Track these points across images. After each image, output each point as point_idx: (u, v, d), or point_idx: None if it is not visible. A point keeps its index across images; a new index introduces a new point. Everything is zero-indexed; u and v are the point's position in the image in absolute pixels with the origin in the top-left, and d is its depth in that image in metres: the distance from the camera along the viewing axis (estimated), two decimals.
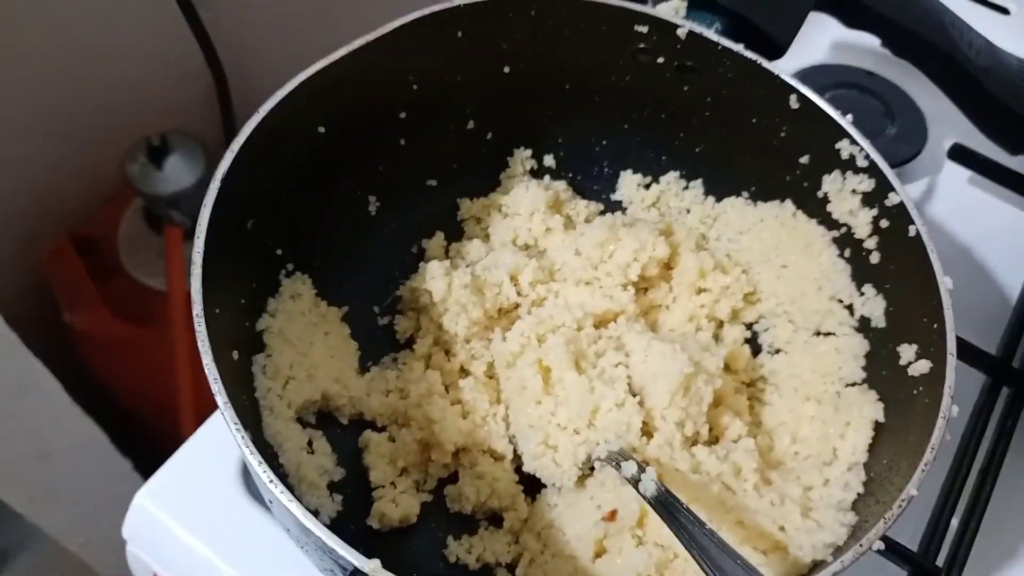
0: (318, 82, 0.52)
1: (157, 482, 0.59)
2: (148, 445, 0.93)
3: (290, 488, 0.49)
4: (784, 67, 0.83)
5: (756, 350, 0.62)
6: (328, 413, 0.56)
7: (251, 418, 0.50)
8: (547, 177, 0.67)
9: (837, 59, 0.88)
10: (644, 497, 0.46)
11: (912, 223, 0.50)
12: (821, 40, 0.90)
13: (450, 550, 0.52)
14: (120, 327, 1.17)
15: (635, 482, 0.46)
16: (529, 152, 0.67)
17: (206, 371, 0.41)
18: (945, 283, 0.48)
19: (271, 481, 0.39)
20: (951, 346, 0.46)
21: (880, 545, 0.40)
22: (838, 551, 0.43)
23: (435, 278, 0.57)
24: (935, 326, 0.47)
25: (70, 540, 1.06)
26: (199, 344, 0.41)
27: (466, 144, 0.65)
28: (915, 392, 0.48)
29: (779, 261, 0.61)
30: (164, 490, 0.59)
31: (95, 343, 1.22)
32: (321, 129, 0.55)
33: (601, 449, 0.50)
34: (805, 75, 0.83)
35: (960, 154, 0.78)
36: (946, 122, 0.73)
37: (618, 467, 0.48)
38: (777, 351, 0.60)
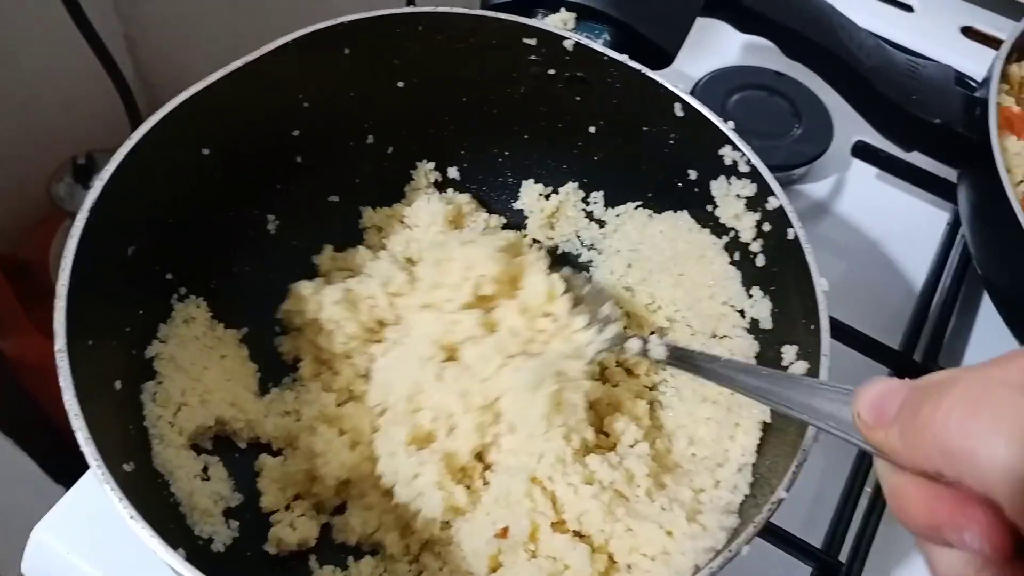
0: (196, 105, 0.51)
1: (55, 515, 0.58)
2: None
3: (182, 516, 0.50)
4: (691, 72, 0.86)
5: None
6: (226, 437, 0.56)
7: (139, 447, 0.50)
8: (451, 190, 0.67)
9: (747, 60, 0.89)
10: (659, 361, 0.52)
11: (790, 226, 0.51)
12: (732, 42, 0.91)
13: (350, 572, 0.52)
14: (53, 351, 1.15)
15: (644, 354, 0.52)
16: (432, 165, 0.67)
17: (67, 407, 0.40)
18: (821, 284, 0.49)
19: (131, 517, 0.38)
20: (825, 347, 0.47)
21: (747, 550, 0.41)
22: (717, 554, 0.44)
23: (303, 297, 0.56)
24: (812, 327, 0.48)
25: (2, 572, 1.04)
26: (60, 380, 0.40)
27: (367, 159, 0.64)
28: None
29: (676, 270, 0.61)
30: (63, 522, 0.57)
31: (28, 368, 1.20)
32: (206, 151, 0.54)
33: (602, 340, 0.54)
34: (715, 77, 0.85)
35: (863, 151, 0.80)
36: (852, 120, 0.74)
37: (622, 351, 0.52)
38: None
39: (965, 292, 0.76)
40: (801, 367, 0.49)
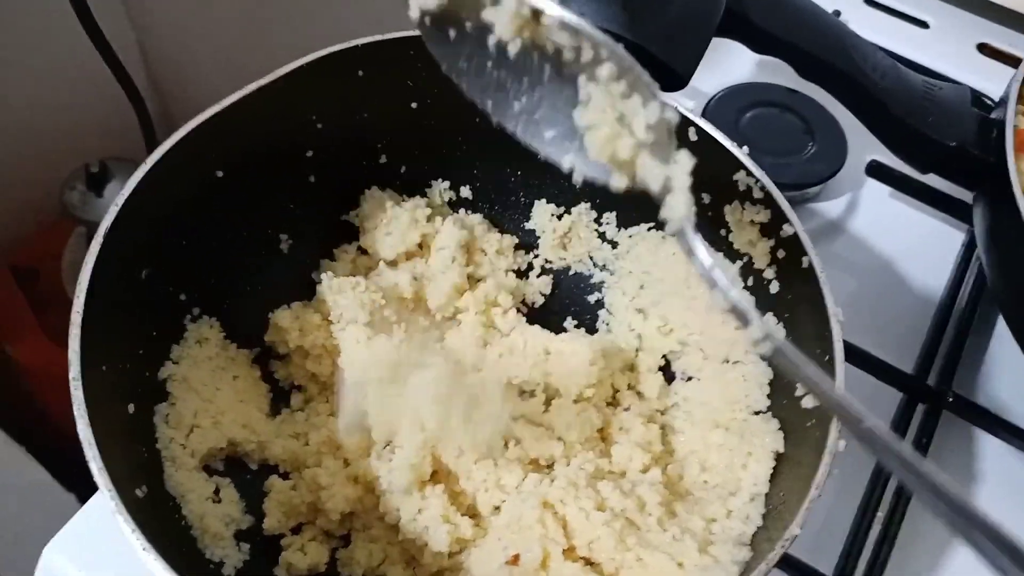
0: (210, 128, 0.52)
1: (67, 534, 0.58)
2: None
3: (193, 540, 0.50)
4: (704, 88, 0.85)
5: (671, 377, 0.62)
6: (238, 458, 0.56)
7: (151, 471, 0.50)
8: (462, 210, 0.67)
9: (760, 77, 0.89)
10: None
11: (805, 254, 0.51)
12: (745, 58, 0.90)
13: None
14: (64, 357, 1.16)
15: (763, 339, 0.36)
16: (447, 184, 0.67)
17: (80, 436, 0.40)
18: (836, 314, 0.49)
19: (144, 549, 0.38)
20: (840, 379, 0.46)
21: None
22: None
23: (281, 328, 0.57)
24: (827, 358, 0.48)
25: None
26: (75, 409, 0.40)
27: (379, 178, 0.65)
28: (808, 424, 0.49)
29: (689, 294, 0.61)
30: (74, 543, 0.57)
31: (38, 375, 1.20)
32: (219, 173, 0.54)
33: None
34: (728, 94, 0.84)
35: (878, 171, 0.79)
36: (866, 139, 0.73)
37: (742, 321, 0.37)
38: (689, 378, 0.61)
39: (980, 315, 0.76)
40: (812, 399, 0.49)
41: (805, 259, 0.51)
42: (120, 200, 0.47)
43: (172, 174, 0.50)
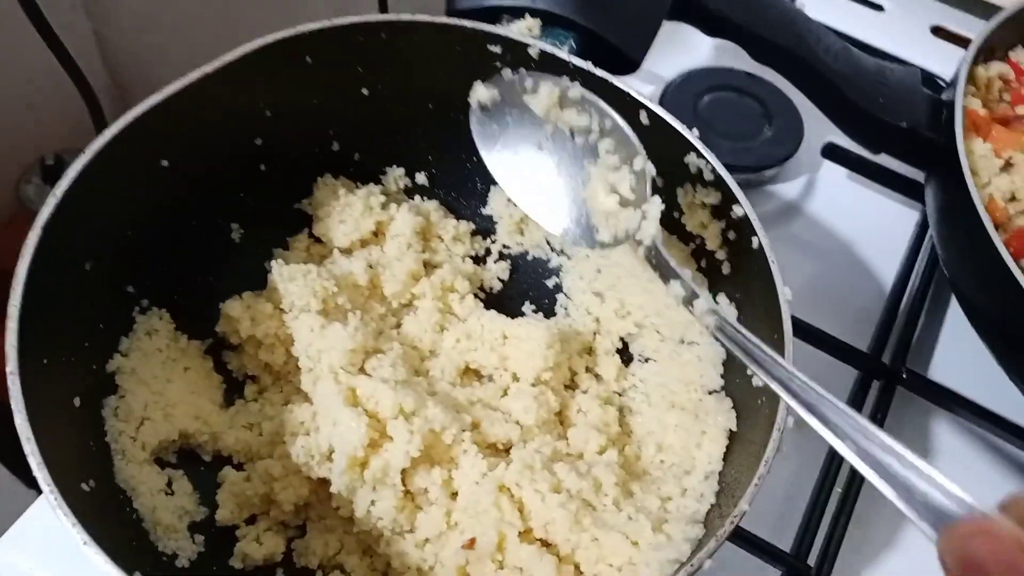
0: (153, 117, 0.51)
1: (19, 529, 0.57)
2: None
3: (145, 533, 0.49)
4: (662, 73, 0.85)
5: (629, 359, 0.62)
6: (191, 450, 0.55)
7: (99, 464, 0.49)
8: (418, 197, 0.66)
9: (719, 61, 0.89)
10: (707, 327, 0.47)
11: (755, 235, 0.51)
12: (704, 42, 0.91)
13: None
14: None
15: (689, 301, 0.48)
16: (402, 171, 0.66)
17: (19, 431, 0.39)
18: (784, 294, 0.49)
19: (85, 543, 0.38)
20: (788, 356, 0.47)
21: (709, 564, 0.41)
22: (680, 568, 0.44)
23: (232, 317, 0.57)
24: (775, 336, 0.48)
25: None
26: (12, 403, 0.39)
27: (333, 166, 0.64)
28: (759, 402, 0.49)
29: (645, 276, 0.61)
30: (27, 536, 0.57)
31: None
32: (164, 163, 0.53)
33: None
34: (686, 79, 0.85)
35: (833, 152, 0.80)
36: (822, 121, 0.74)
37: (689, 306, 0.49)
38: (647, 360, 0.61)
39: (934, 293, 0.77)
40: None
41: (755, 240, 0.51)
42: (59, 192, 0.46)
43: (114, 164, 0.49)
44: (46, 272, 0.45)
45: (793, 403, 0.40)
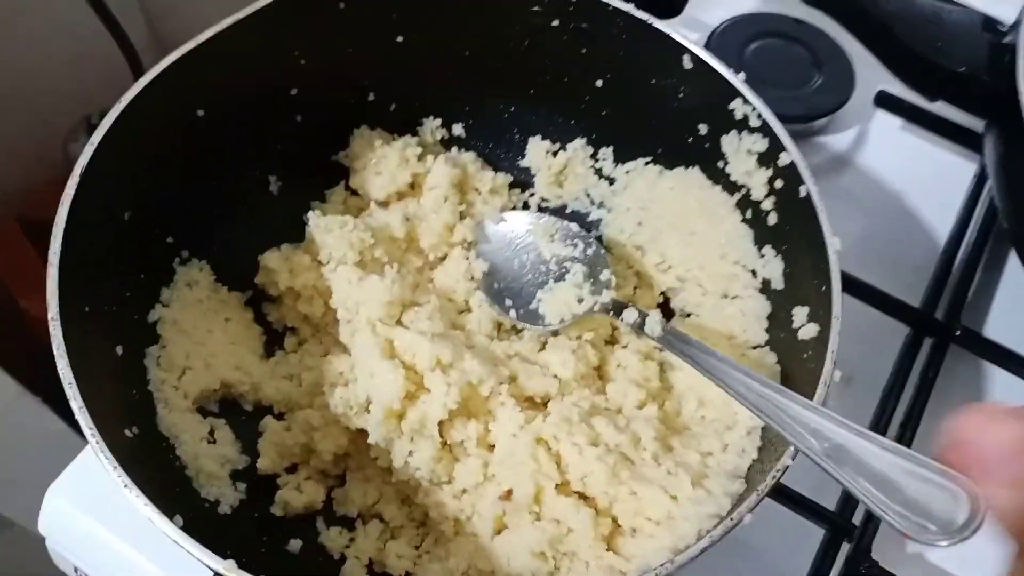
0: (186, 65, 0.50)
1: (68, 477, 0.58)
2: None
3: (188, 480, 0.50)
4: (707, 20, 0.82)
5: (670, 315, 0.61)
6: (232, 400, 0.56)
7: (142, 412, 0.50)
8: (455, 149, 0.65)
9: (766, 7, 0.85)
10: (652, 337, 0.51)
11: (803, 183, 0.49)
12: None
13: (357, 534, 0.52)
14: None
15: (639, 327, 0.52)
16: (439, 122, 0.65)
17: (61, 376, 0.40)
18: (833, 244, 0.47)
19: (126, 486, 0.38)
20: (836, 309, 0.45)
21: (749, 518, 0.40)
22: (720, 522, 0.43)
23: (271, 269, 0.56)
24: (823, 289, 0.47)
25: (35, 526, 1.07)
26: (54, 348, 0.40)
27: (368, 117, 0.63)
28: (805, 356, 0.48)
29: (687, 228, 0.60)
30: (76, 484, 0.58)
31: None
32: (200, 112, 0.53)
33: (596, 302, 0.56)
34: (731, 25, 0.81)
35: (886, 101, 0.77)
36: (874, 69, 0.71)
37: (619, 316, 0.53)
38: (688, 315, 0.60)
39: (991, 249, 0.74)
40: (812, 330, 0.48)
41: (803, 188, 0.49)
42: (95, 139, 0.46)
43: (149, 113, 0.49)
44: (85, 220, 0.45)
45: (751, 409, 0.43)
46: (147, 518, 0.38)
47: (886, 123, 0.80)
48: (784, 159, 0.51)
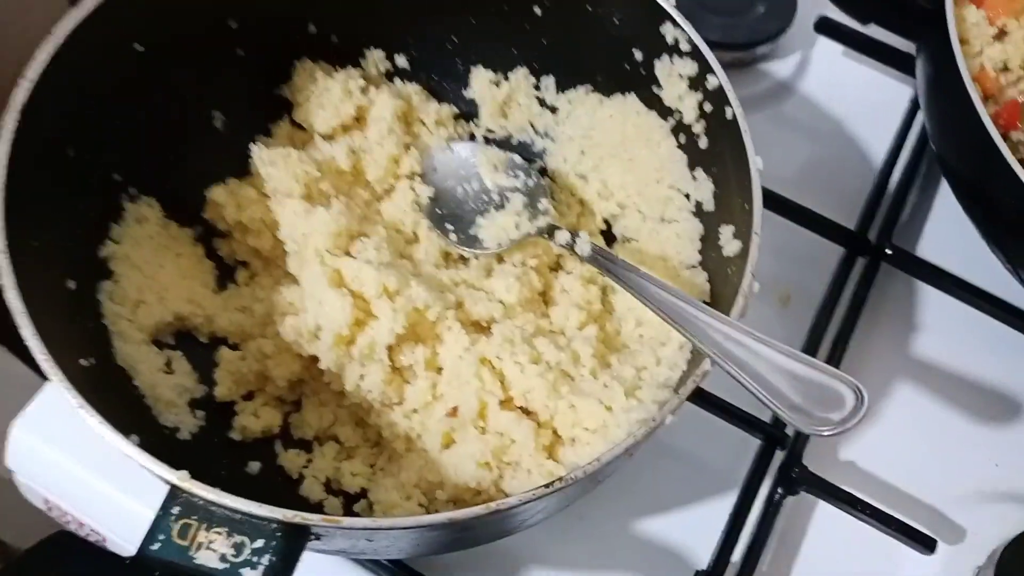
0: (119, 2, 0.50)
1: (33, 411, 0.60)
2: None
3: (147, 408, 0.52)
4: None
5: (613, 240, 0.63)
6: (188, 333, 0.57)
7: (98, 344, 0.51)
8: (399, 80, 0.66)
9: None
10: (582, 257, 0.55)
11: (729, 104, 0.51)
12: None
13: (314, 455, 0.55)
14: None
15: (571, 246, 0.55)
16: (381, 53, 0.65)
17: (9, 305, 0.41)
18: (756, 163, 0.49)
19: (80, 407, 0.40)
20: (756, 225, 0.48)
21: (671, 419, 0.43)
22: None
23: (218, 203, 0.58)
24: (746, 207, 0.49)
25: None
26: (3, 279, 0.41)
27: (310, 49, 0.63)
28: (729, 272, 0.50)
29: (626, 155, 0.62)
30: (41, 418, 0.60)
31: None
32: (138, 47, 0.53)
33: (532, 226, 0.58)
34: None
35: (826, 26, 0.78)
36: None
37: (551, 236, 0.56)
38: (628, 240, 0.62)
39: (926, 172, 0.76)
40: (735, 246, 0.50)
41: (729, 110, 0.51)
42: (31, 75, 0.46)
43: (84, 48, 0.49)
44: (28, 155, 0.46)
45: (665, 319, 0.47)
46: (103, 437, 0.39)
47: (828, 50, 0.81)
48: (712, 82, 0.53)
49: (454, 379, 0.53)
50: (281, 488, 0.53)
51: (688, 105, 0.55)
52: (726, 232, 0.52)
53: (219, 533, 0.38)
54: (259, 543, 0.38)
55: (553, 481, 0.39)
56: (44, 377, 0.52)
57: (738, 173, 0.50)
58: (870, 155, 0.77)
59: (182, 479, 0.38)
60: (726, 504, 0.59)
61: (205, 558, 0.37)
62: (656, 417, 0.42)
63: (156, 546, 0.37)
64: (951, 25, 0.61)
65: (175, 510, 0.38)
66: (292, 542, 0.38)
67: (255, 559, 0.37)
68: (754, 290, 0.46)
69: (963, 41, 0.64)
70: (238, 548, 0.38)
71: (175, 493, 0.38)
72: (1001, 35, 0.65)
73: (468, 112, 0.67)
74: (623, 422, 0.48)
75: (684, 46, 0.54)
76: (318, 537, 0.40)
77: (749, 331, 0.42)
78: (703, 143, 0.56)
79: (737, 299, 0.46)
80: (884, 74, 0.80)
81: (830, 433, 0.38)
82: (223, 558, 0.37)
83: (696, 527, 0.59)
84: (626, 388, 0.51)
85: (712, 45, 0.53)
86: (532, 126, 0.67)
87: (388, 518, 0.37)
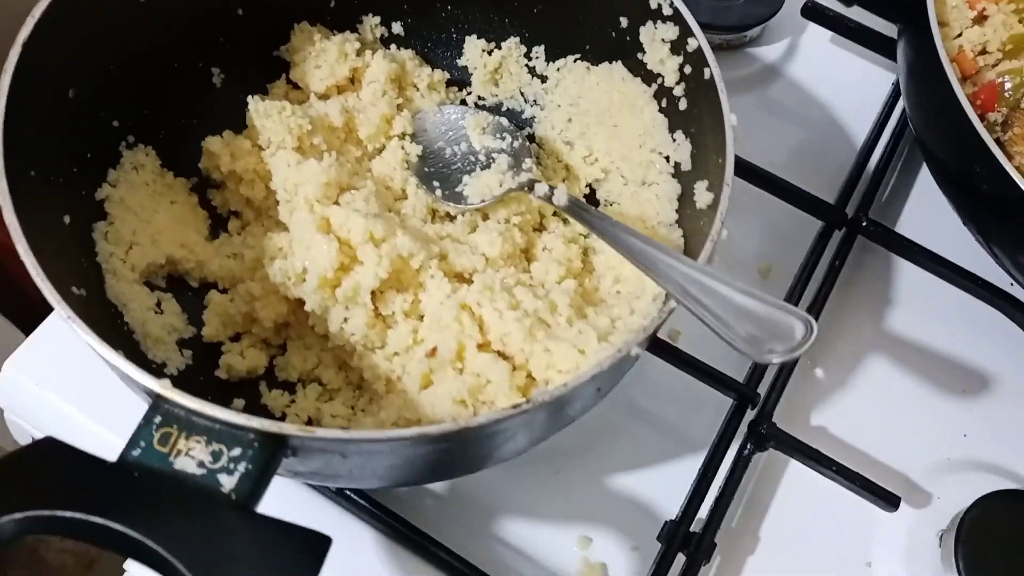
0: None
1: (26, 350, 0.62)
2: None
3: (136, 343, 0.53)
4: None
5: (596, 204, 0.65)
6: (179, 277, 0.59)
7: (91, 278, 0.53)
8: (394, 46, 0.68)
9: None
10: (558, 207, 0.58)
11: (707, 66, 0.53)
12: None
13: (297, 397, 0.56)
14: None
15: (548, 198, 0.58)
16: (378, 19, 0.67)
17: (7, 224, 0.43)
18: (730, 120, 0.51)
19: (68, 318, 0.41)
20: (728, 177, 0.49)
21: (638, 351, 0.45)
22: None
23: (213, 153, 0.59)
24: (720, 161, 0.51)
25: None
26: (0, 199, 0.43)
27: (310, 13, 0.66)
28: (702, 223, 0.52)
29: (611, 122, 0.63)
30: (33, 357, 0.62)
31: None
32: None
33: (514, 182, 0.60)
34: None
35: (813, 11, 0.80)
36: None
37: (531, 190, 0.59)
38: (611, 203, 0.64)
39: (909, 153, 0.78)
40: (707, 198, 0.52)
41: (707, 71, 0.53)
42: (36, 12, 0.48)
43: None
44: (29, 89, 0.48)
45: (630, 259, 0.49)
46: (90, 346, 0.41)
47: (816, 35, 0.83)
48: (692, 44, 0.54)
49: (435, 323, 0.55)
50: None
51: (669, 68, 0.57)
52: (700, 187, 0.54)
53: (198, 441, 0.39)
54: (236, 451, 0.39)
55: (520, 403, 0.41)
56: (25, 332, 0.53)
57: (714, 131, 0.52)
58: (853, 137, 0.79)
59: (164, 387, 0.39)
60: (699, 461, 0.60)
61: (184, 464, 0.39)
62: (622, 347, 0.44)
63: (136, 452, 0.39)
64: (931, 7, 0.63)
65: (156, 419, 0.40)
66: (268, 452, 0.39)
67: (232, 466, 0.39)
68: (722, 237, 0.48)
69: (943, 23, 0.66)
70: (216, 456, 0.39)
71: (157, 404, 0.40)
72: (981, 19, 0.67)
73: (460, 79, 0.69)
74: (593, 363, 0.50)
75: (666, 10, 0.56)
76: (295, 453, 0.41)
77: (708, 270, 0.44)
78: (683, 105, 0.57)
79: (706, 244, 0.47)
80: (870, 60, 0.83)
81: (779, 359, 0.40)
82: (201, 464, 0.39)
83: (669, 482, 0.60)
84: (599, 334, 0.52)
85: (702, 27, 0.54)
86: (522, 94, 0.69)
87: (359, 431, 0.38)
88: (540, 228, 0.64)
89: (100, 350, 0.41)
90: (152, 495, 0.36)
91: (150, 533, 0.33)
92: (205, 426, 0.39)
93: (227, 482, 0.38)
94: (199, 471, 0.38)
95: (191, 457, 0.39)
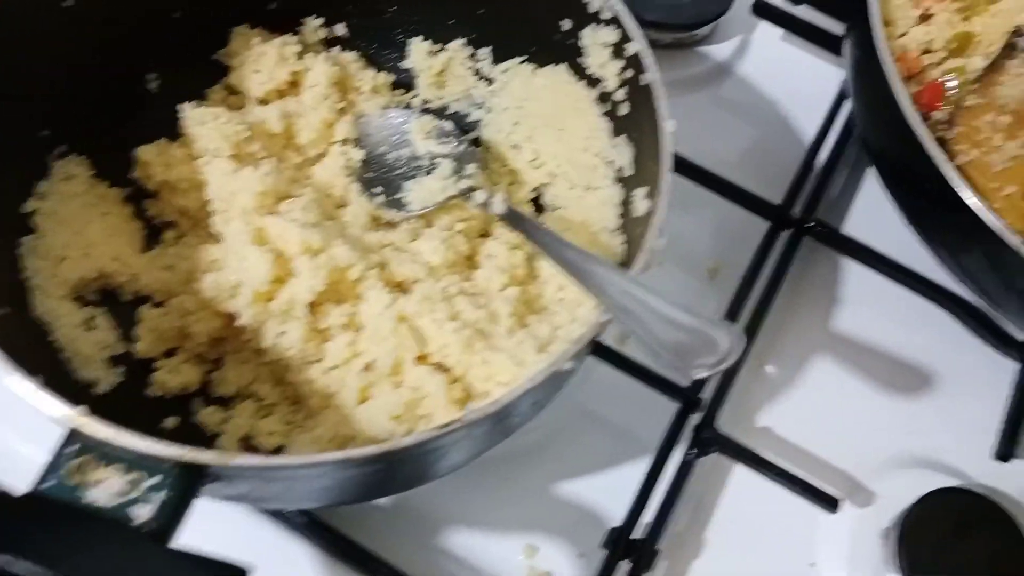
0: None
1: None
2: None
3: (63, 362, 0.52)
4: None
5: (541, 209, 0.65)
6: (112, 291, 0.58)
7: (15, 297, 0.51)
8: (337, 48, 0.66)
9: None
10: (496, 216, 0.58)
11: (645, 71, 0.52)
12: None
13: (232, 412, 0.55)
14: None
15: (486, 206, 0.58)
16: (320, 21, 0.66)
17: None
18: (668, 126, 0.50)
19: None
20: (664, 185, 0.49)
21: (571, 365, 0.44)
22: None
23: (147, 162, 0.58)
24: (658, 168, 0.50)
25: None
26: None
27: (249, 15, 0.64)
28: (640, 230, 0.52)
29: (557, 125, 0.63)
30: None
31: None
32: (68, 2, 0.53)
33: (455, 188, 0.60)
34: None
35: (763, 9, 0.79)
36: None
37: (469, 198, 0.58)
38: (556, 208, 0.63)
39: (858, 153, 0.78)
40: (645, 206, 0.52)
41: (645, 76, 0.52)
42: None
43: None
44: None
45: (567, 272, 0.49)
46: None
47: (768, 34, 0.83)
48: (631, 48, 0.54)
49: (373, 336, 0.54)
50: (196, 444, 0.53)
51: (610, 72, 0.57)
52: (640, 194, 0.54)
53: (117, 470, 0.38)
54: (156, 479, 0.38)
55: (449, 423, 0.40)
56: None
57: (653, 136, 0.52)
58: (803, 136, 0.78)
59: (75, 417, 0.38)
60: (645, 467, 0.60)
61: (95, 496, 0.37)
62: (555, 362, 0.43)
63: (47, 484, 0.37)
64: (874, 6, 0.62)
65: (72, 448, 0.38)
66: (187, 480, 0.38)
67: (149, 496, 0.38)
68: (659, 246, 0.47)
69: (888, 22, 0.66)
70: (133, 484, 0.38)
71: (73, 432, 0.39)
72: (925, 17, 0.67)
73: (406, 82, 0.68)
74: (527, 380, 0.49)
75: (605, 14, 0.55)
76: (219, 478, 0.40)
77: (641, 284, 0.43)
78: (624, 110, 0.57)
79: (640, 255, 0.47)
80: (820, 59, 0.82)
81: (706, 373, 0.40)
82: (116, 494, 0.38)
83: (615, 489, 0.60)
84: (539, 344, 0.52)
85: (653, 26, 0.54)
86: (468, 97, 0.68)
87: (280, 457, 0.38)
88: (485, 234, 0.63)
89: (6, 380, 0.39)
90: (61, 530, 0.35)
91: (54, 568, 0.32)
92: (120, 455, 0.38)
93: (142, 513, 0.37)
94: (110, 503, 0.37)
95: (104, 489, 0.38)
